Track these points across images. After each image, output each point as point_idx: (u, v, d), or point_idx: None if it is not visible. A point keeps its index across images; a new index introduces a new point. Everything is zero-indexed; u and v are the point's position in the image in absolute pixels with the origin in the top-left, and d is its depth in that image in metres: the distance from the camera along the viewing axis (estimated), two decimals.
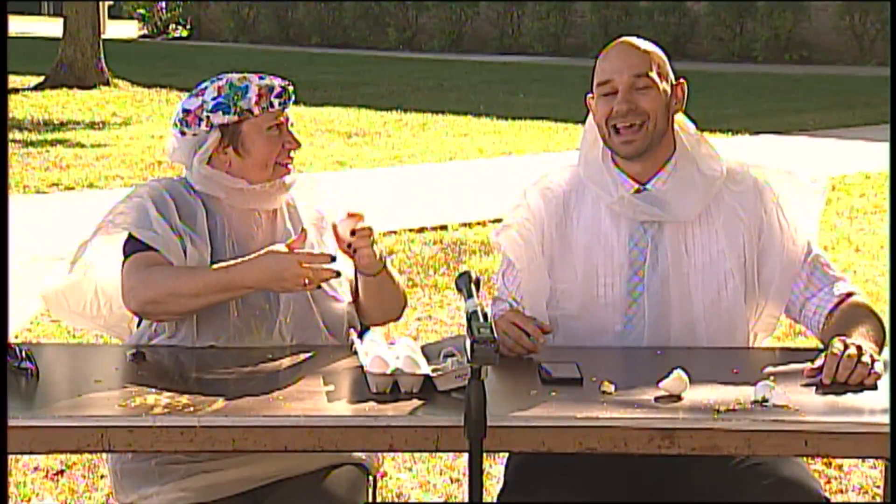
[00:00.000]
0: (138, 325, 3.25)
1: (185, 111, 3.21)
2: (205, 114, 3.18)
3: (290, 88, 3.26)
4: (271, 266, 3.00)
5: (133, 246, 3.16)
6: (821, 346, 3.16)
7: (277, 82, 3.23)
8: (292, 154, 3.26)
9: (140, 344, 3.18)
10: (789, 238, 3.29)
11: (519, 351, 3.07)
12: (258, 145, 3.20)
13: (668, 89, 3.25)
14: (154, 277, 3.08)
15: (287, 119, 3.25)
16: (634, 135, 3.20)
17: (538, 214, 3.31)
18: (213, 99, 3.19)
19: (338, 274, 3.03)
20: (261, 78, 3.23)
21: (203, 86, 3.24)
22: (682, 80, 3.30)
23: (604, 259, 3.25)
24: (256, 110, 3.18)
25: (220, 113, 3.18)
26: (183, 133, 3.22)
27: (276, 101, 3.20)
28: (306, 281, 2.98)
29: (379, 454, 3.27)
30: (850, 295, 3.24)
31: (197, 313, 3.13)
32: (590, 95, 3.31)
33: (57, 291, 3.30)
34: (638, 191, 3.26)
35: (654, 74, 3.21)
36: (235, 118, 3.18)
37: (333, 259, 3.01)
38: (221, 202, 3.24)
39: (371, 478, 3.24)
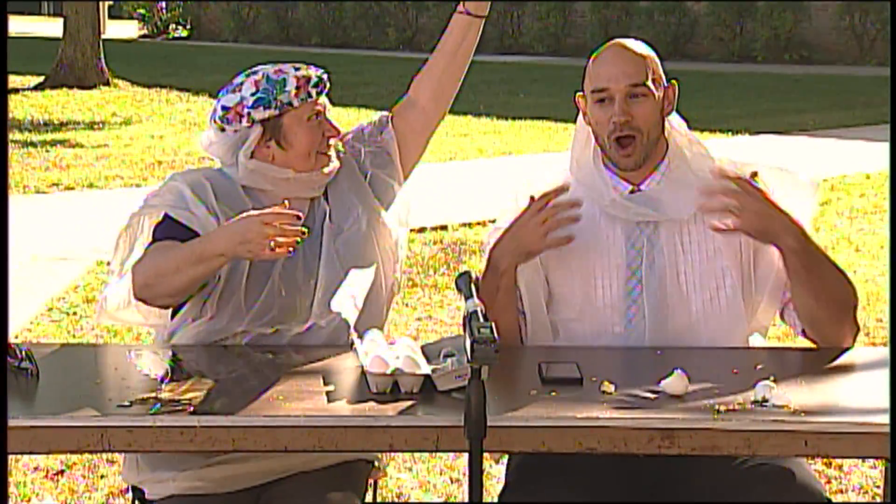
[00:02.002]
0: (174, 312, 3.25)
1: (225, 108, 3.21)
2: (245, 110, 3.19)
3: (325, 77, 3.27)
4: (236, 228, 2.97)
5: (158, 233, 3.17)
6: (810, 345, 3.18)
7: (313, 72, 3.25)
8: (332, 142, 3.27)
9: (179, 329, 3.19)
10: None
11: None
12: (300, 137, 3.22)
13: (661, 94, 3.25)
14: (146, 261, 3.10)
15: (325, 107, 3.26)
16: (633, 148, 3.21)
17: None
18: (252, 95, 3.19)
19: (304, 234, 2.97)
20: (296, 69, 3.24)
21: (239, 80, 3.24)
22: (673, 82, 3.30)
23: (600, 261, 3.25)
24: (296, 102, 3.20)
25: (261, 108, 3.19)
26: (223, 129, 3.23)
27: (313, 91, 3.22)
28: (273, 244, 2.91)
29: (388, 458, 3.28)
30: None
31: (235, 296, 3.15)
32: (580, 94, 3.31)
33: (102, 299, 3.32)
34: (632, 191, 3.27)
35: (649, 83, 3.21)
36: (276, 112, 3.19)
37: (299, 218, 2.97)
38: (265, 193, 3.23)
39: (372, 480, 3.26)
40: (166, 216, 3.18)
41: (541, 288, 3.27)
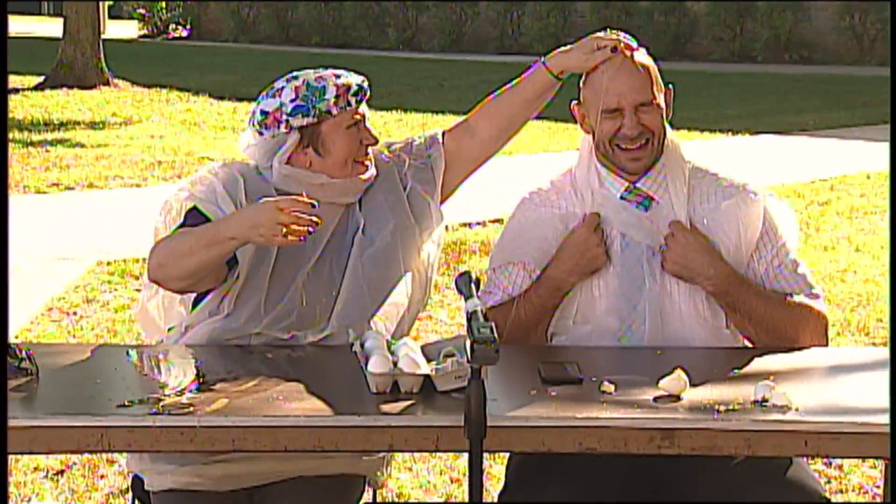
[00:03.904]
0: (194, 306, 3.26)
1: (264, 113, 3.21)
2: (284, 116, 3.19)
3: (366, 84, 3.26)
4: (250, 213, 2.99)
5: (187, 220, 3.17)
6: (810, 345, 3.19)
7: (354, 80, 3.24)
8: (369, 150, 3.27)
9: (196, 323, 3.21)
10: (770, 246, 3.27)
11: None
12: (338, 145, 3.22)
13: (663, 101, 3.26)
14: (163, 243, 3.11)
15: (363, 115, 3.26)
16: (641, 152, 3.23)
17: (537, 229, 3.31)
18: (292, 101, 3.19)
19: (316, 224, 2.97)
20: (336, 76, 3.23)
21: (279, 85, 3.24)
22: (669, 86, 3.31)
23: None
24: (335, 110, 3.19)
25: (300, 115, 3.19)
26: (261, 133, 3.23)
27: (353, 100, 3.21)
28: (284, 230, 2.92)
29: (387, 469, 3.27)
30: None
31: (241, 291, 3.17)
32: (575, 103, 3.30)
33: (143, 308, 3.38)
34: (628, 188, 3.26)
35: (656, 94, 3.23)
36: (315, 120, 3.19)
37: (314, 206, 2.97)
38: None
39: (372, 489, 3.25)
40: (195, 207, 3.19)
41: (575, 301, 3.27)
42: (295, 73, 3.27)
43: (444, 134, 3.41)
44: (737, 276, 3.21)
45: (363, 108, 3.27)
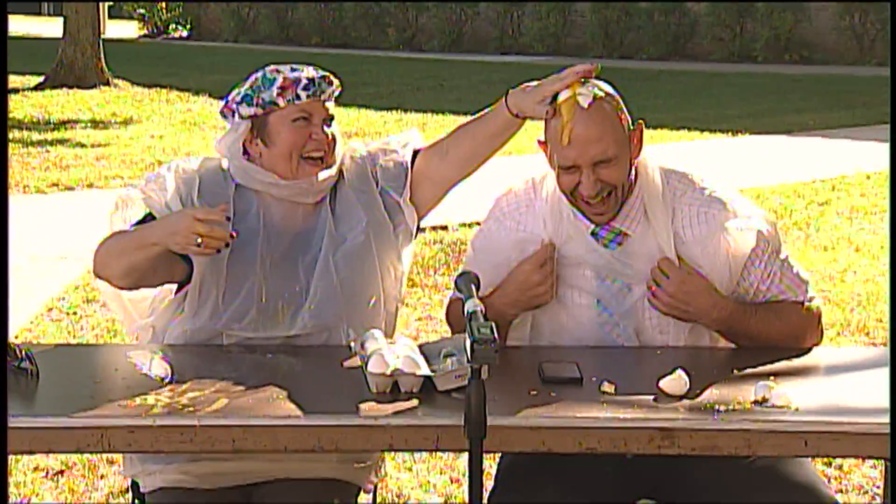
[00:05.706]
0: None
1: (225, 101, 3.27)
2: (234, 105, 3.23)
3: (321, 80, 3.23)
4: (171, 220, 3.04)
5: (143, 219, 3.20)
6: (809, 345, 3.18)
7: (306, 74, 3.23)
8: (325, 148, 3.25)
9: (169, 325, 3.21)
10: (758, 261, 3.21)
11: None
12: (282, 136, 3.22)
13: (629, 147, 3.12)
14: (105, 243, 3.16)
15: (322, 113, 3.25)
16: (604, 206, 3.11)
17: (494, 253, 3.25)
18: (244, 91, 3.23)
19: (232, 237, 3.01)
20: (293, 70, 3.24)
21: (249, 76, 3.28)
22: (640, 122, 3.16)
23: (567, 296, 3.19)
24: (281, 102, 3.20)
25: (245, 105, 3.22)
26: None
27: (302, 94, 3.21)
28: (199, 240, 2.96)
29: (375, 476, 3.27)
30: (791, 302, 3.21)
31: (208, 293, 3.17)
32: (540, 141, 3.17)
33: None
34: (599, 224, 3.16)
35: (616, 150, 3.06)
36: (261, 110, 3.21)
37: (228, 219, 3.02)
38: (258, 193, 3.26)
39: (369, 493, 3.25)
40: (146, 209, 3.22)
41: (527, 322, 3.24)
42: (268, 66, 3.29)
43: (417, 151, 3.37)
44: (738, 309, 3.14)
45: (329, 105, 3.26)
